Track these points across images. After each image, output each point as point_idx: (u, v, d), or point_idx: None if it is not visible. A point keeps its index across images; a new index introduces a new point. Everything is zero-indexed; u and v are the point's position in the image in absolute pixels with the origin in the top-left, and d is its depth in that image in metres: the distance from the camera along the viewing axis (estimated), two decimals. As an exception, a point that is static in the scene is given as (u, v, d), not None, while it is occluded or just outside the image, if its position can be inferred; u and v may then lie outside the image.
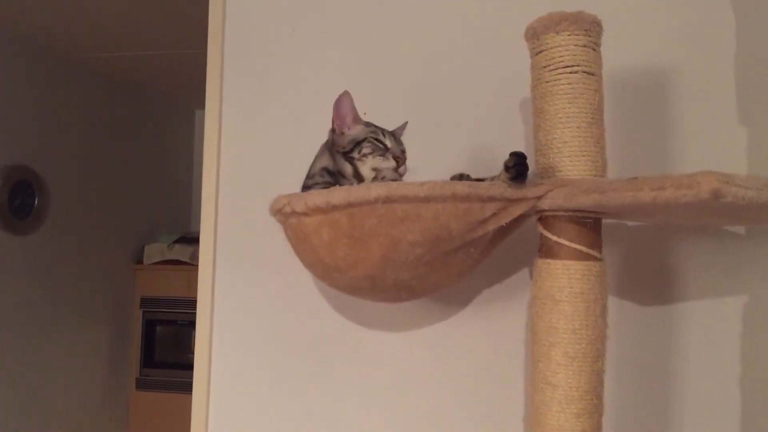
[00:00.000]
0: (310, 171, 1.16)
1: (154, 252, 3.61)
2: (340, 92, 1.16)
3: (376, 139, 1.10)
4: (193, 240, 3.57)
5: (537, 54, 1.05)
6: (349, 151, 1.10)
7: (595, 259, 1.00)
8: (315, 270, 1.11)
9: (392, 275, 1.05)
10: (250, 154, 1.59)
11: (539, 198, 0.98)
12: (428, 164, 1.26)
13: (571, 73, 1.01)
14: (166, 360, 3.53)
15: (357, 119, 1.15)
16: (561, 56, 1.01)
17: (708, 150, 1.33)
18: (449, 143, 1.45)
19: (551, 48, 1.02)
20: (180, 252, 3.54)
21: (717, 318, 1.30)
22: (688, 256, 1.32)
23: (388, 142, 1.12)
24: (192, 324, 1.56)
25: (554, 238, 1.00)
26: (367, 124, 1.16)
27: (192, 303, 1.58)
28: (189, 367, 1.57)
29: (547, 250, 1.02)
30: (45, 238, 3.04)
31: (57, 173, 3.13)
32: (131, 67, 3.37)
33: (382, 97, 1.46)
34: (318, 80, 1.55)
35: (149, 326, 3.55)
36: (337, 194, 0.96)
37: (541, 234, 1.04)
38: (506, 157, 0.97)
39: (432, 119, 1.45)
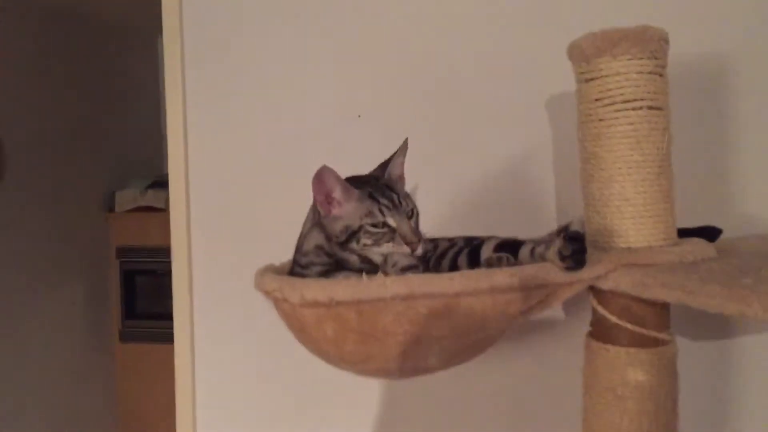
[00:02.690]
0: (301, 246, 0.91)
1: (127, 198, 3.35)
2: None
3: (375, 225, 0.83)
4: (167, 184, 3.28)
5: (586, 81, 0.82)
6: (346, 241, 0.85)
7: (665, 342, 0.81)
8: (318, 356, 0.91)
9: (412, 365, 0.86)
10: (217, 82, 1.38)
11: (597, 278, 0.77)
12: (437, 174, 1.16)
13: (633, 110, 0.78)
14: (148, 311, 3.37)
15: (346, 191, 0.86)
16: (620, 88, 0.78)
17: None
18: (462, 147, 1.25)
19: (606, 76, 0.79)
20: (154, 198, 3.29)
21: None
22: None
23: (392, 220, 0.84)
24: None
25: (614, 319, 0.80)
26: (360, 197, 0.85)
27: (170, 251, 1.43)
28: (172, 317, 1.45)
29: (604, 333, 0.82)
30: (6, 194, 2.78)
31: (11, 122, 2.79)
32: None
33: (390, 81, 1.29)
34: None
35: (128, 277, 3.38)
36: (342, 290, 0.75)
37: (595, 309, 0.84)
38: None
39: (443, 121, 1.25)
